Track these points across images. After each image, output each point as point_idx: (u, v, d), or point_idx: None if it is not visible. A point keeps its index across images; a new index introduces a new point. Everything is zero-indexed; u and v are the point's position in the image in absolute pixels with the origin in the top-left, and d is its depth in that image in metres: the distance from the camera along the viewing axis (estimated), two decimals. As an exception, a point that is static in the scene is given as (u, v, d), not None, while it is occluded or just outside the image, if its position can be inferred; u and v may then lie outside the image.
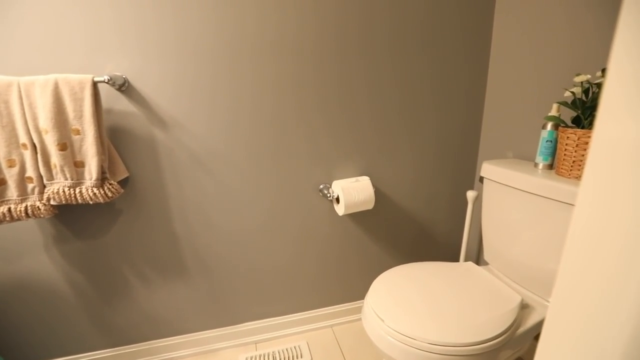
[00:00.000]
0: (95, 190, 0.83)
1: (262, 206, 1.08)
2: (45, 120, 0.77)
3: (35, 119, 0.77)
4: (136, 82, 0.89)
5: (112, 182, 0.86)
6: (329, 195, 1.06)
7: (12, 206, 0.80)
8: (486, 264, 1.06)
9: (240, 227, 1.09)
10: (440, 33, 1.07)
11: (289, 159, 1.06)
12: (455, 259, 1.37)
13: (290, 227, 1.13)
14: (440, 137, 1.18)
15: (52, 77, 0.77)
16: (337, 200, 1.07)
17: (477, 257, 1.31)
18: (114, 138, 0.91)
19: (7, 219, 0.80)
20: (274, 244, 1.14)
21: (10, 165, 0.79)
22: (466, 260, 1.22)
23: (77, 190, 0.83)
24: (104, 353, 1.10)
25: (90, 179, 0.83)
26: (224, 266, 1.12)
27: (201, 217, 1.04)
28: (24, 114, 0.77)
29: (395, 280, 0.91)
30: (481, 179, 1.05)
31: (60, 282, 1.00)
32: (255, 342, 1.22)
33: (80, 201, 0.83)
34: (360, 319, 1.32)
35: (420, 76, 1.09)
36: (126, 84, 0.87)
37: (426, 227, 1.29)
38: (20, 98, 0.76)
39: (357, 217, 1.19)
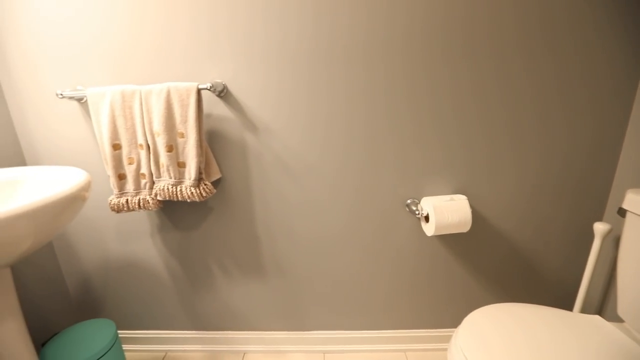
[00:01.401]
0: (192, 189, 0.90)
1: (343, 216, 1.04)
2: (158, 124, 0.85)
3: (150, 123, 0.86)
4: (234, 89, 0.93)
5: (206, 182, 0.92)
6: (417, 212, 0.96)
7: (129, 198, 0.92)
8: (620, 320, 0.83)
9: (319, 235, 1.07)
10: (570, 21, 0.86)
11: (375, 169, 0.99)
12: (567, 306, 1.12)
13: (370, 240, 1.07)
14: (560, 153, 0.96)
15: (165, 85, 0.85)
16: (427, 218, 0.96)
17: (600, 308, 1.05)
18: (210, 141, 0.97)
19: (125, 208, 0.92)
20: (351, 256, 1.09)
21: (130, 162, 0.90)
22: (583, 310, 0.98)
23: (178, 188, 0.90)
24: (188, 334, 1.20)
25: (189, 179, 0.90)
26: (299, 271, 1.11)
27: (282, 222, 1.05)
28: (142, 118, 0.87)
29: (493, 322, 0.77)
30: (621, 212, 0.82)
31: (160, 265, 1.12)
32: (324, 352, 1.20)
33: (180, 198, 0.90)
34: (440, 349, 1.18)
35: (538, 78, 0.90)
36: (225, 90, 0.92)
37: (532, 260, 1.08)
38: (141, 104, 0.86)
39: (448, 239, 1.06)
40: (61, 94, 0.88)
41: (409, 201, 1.01)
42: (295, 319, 1.18)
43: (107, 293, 1.17)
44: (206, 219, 1.05)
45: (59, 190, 0.63)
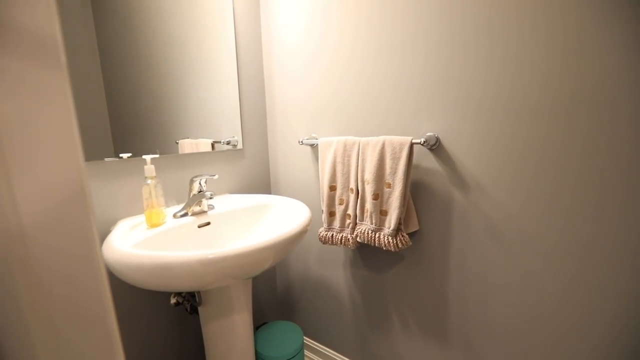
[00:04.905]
0: (390, 238, 0.91)
1: (567, 308, 0.78)
2: (369, 173, 0.92)
3: (363, 171, 0.95)
4: (446, 142, 0.88)
5: (404, 234, 0.91)
6: None
7: (334, 233, 1.03)
8: None
9: (528, 322, 0.84)
10: None
11: (621, 253, 0.68)
12: None
13: (603, 345, 0.74)
14: None
15: (381, 138, 0.90)
16: None
17: None
18: (413, 192, 0.96)
19: (329, 242, 1.04)
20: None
21: (340, 203, 1.01)
22: None
23: (377, 234, 0.94)
24: (358, 368, 1.23)
25: (389, 228, 0.91)
26: (492, 355, 0.92)
27: (480, 291, 0.90)
28: (357, 166, 0.96)
29: None
30: None
31: (345, 294, 1.21)
32: None
33: (377, 244, 0.94)
34: None
35: None
36: (437, 144, 0.89)
37: None
38: (358, 154, 0.95)
39: None
40: (301, 141, 1.11)
41: None
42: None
43: (301, 301, 1.37)
44: (395, 266, 1.05)
45: (292, 227, 0.78)
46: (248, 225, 1.01)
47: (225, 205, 1.03)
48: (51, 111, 0.24)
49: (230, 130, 1.17)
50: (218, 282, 0.73)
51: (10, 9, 0.21)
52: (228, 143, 1.18)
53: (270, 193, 1.34)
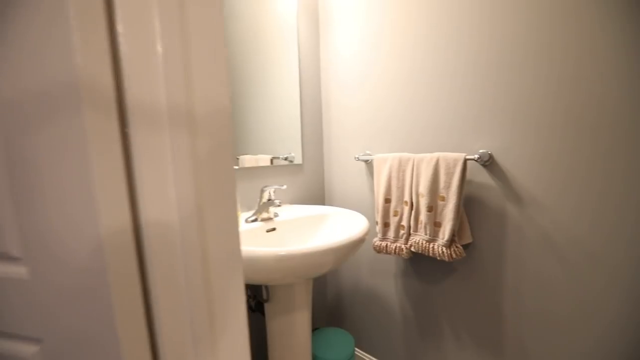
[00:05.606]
0: (444, 249, 0.96)
1: (630, 325, 0.77)
2: (423, 187, 0.99)
3: (417, 185, 1.02)
4: (499, 158, 0.93)
5: (458, 245, 0.96)
6: None
7: (388, 243, 1.10)
8: None
9: (589, 339, 0.83)
10: None
11: None
12: None
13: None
14: None
15: (435, 155, 0.97)
16: None
17: None
18: (466, 205, 1.01)
19: (383, 251, 1.11)
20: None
21: (395, 214, 1.09)
22: None
23: (431, 245, 0.99)
24: (408, 379, 1.25)
25: (443, 239, 0.96)
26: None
27: (538, 305, 0.91)
28: (411, 180, 1.03)
29: None
30: None
31: (396, 304, 1.25)
32: None
33: (431, 254, 0.99)
34: None
35: None
36: (490, 160, 0.94)
37: None
38: (412, 169, 1.03)
39: None
40: (357, 157, 1.21)
41: None
42: None
43: (351, 310, 1.44)
44: (447, 278, 1.08)
45: (352, 234, 0.87)
46: (310, 233, 1.11)
47: (288, 214, 1.15)
48: (225, 160, 0.40)
49: (288, 146, 1.30)
50: (284, 278, 0.84)
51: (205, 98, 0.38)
52: (286, 159, 1.31)
53: (324, 204, 1.45)
